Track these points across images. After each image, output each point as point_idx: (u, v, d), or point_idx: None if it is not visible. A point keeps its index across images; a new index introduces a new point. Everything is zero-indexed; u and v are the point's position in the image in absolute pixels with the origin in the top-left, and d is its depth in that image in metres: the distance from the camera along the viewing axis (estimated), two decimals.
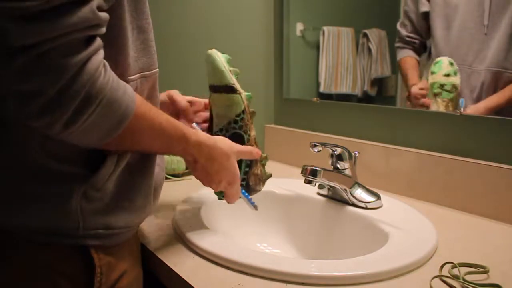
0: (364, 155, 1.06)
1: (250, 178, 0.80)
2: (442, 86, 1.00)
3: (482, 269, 0.66)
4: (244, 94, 0.81)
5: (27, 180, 0.55)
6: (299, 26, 1.35)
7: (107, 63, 0.51)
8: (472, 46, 0.97)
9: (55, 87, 0.45)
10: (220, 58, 0.78)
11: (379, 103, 1.24)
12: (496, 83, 0.92)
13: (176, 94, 0.90)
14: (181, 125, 0.64)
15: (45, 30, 0.43)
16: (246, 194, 0.80)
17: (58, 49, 0.45)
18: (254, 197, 0.83)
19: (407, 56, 1.12)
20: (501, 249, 0.75)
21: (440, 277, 0.64)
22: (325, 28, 1.29)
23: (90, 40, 0.48)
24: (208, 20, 1.29)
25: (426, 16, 1.05)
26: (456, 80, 0.98)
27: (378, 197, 0.91)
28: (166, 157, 0.99)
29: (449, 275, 0.64)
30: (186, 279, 0.64)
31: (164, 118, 0.60)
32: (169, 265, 0.69)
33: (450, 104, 0.99)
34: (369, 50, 1.22)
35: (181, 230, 0.79)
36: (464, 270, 0.65)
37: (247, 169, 0.79)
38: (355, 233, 0.87)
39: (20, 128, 0.54)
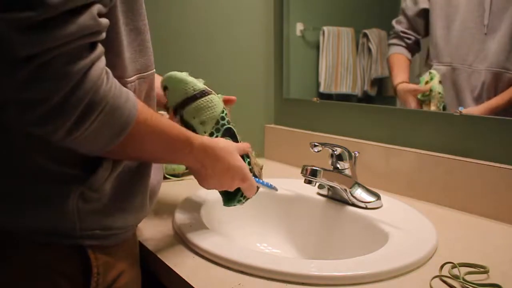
0: (364, 155, 1.06)
1: (254, 169, 0.81)
2: (423, 94, 1.04)
3: (482, 269, 0.66)
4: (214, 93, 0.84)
5: (25, 181, 0.55)
6: (299, 26, 1.35)
7: (109, 70, 0.51)
8: (472, 46, 0.97)
9: (59, 95, 0.46)
10: (181, 73, 0.80)
11: (379, 103, 1.24)
12: (496, 83, 0.92)
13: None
14: (183, 129, 0.65)
15: (47, 40, 0.44)
16: (261, 181, 0.81)
17: (61, 57, 0.45)
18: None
19: (399, 53, 1.12)
20: (501, 249, 0.75)
21: (440, 277, 0.64)
22: (325, 28, 1.29)
23: (92, 47, 0.48)
24: (208, 20, 1.29)
25: (423, 13, 1.05)
26: (433, 83, 1.01)
27: (378, 197, 0.91)
28: None
29: (449, 275, 0.64)
30: (186, 279, 0.64)
31: (167, 123, 0.61)
32: (169, 265, 0.69)
33: (435, 105, 1.02)
34: (369, 50, 1.22)
35: (181, 230, 0.79)
36: (464, 270, 0.65)
37: (248, 160, 0.79)
38: (355, 233, 0.87)
39: (18, 130, 0.54)
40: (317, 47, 1.31)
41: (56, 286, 0.57)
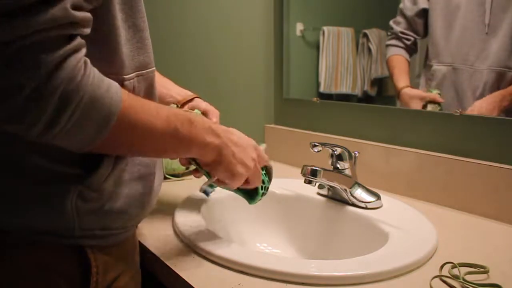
0: (364, 155, 1.06)
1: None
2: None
3: (482, 269, 0.66)
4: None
5: (23, 180, 0.55)
6: (299, 26, 1.35)
7: (88, 60, 0.49)
8: (473, 46, 0.97)
9: (31, 85, 0.44)
10: None
11: (379, 103, 1.24)
12: (499, 82, 0.92)
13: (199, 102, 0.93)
14: (184, 113, 0.61)
15: (19, 27, 0.43)
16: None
17: (32, 47, 0.44)
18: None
19: (398, 55, 1.12)
20: (501, 249, 0.75)
21: (440, 277, 0.64)
22: (325, 28, 1.29)
23: (70, 39, 0.47)
24: (208, 20, 1.29)
25: (423, 13, 1.05)
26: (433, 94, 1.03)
27: (378, 197, 0.91)
28: None
29: (449, 275, 0.64)
30: (186, 279, 0.64)
31: (166, 108, 0.58)
32: (169, 265, 0.69)
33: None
34: (369, 50, 1.22)
35: (181, 230, 0.79)
36: (464, 270, 0.65)
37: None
38: (355, 233, 0.87)
39: None
40: (317, 47, 1.31)
41: (55, 286, 0.57)
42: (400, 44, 1.11)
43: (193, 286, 0.63)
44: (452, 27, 1.00)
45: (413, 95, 1.07)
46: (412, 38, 1.09)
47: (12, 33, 0.43)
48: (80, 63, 0.48)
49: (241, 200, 0.81)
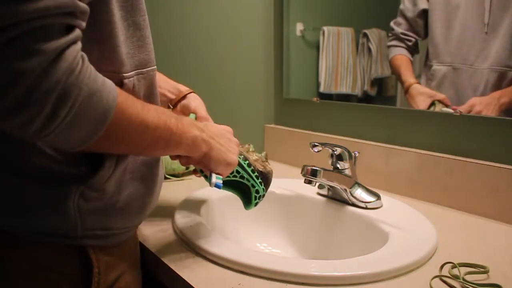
0: (364, 155, 1.06)
1: (256, 166, 0.80)
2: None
3: (482, 269, 0.66)
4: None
5: (25, 180, 0.55)
6: (299, 26, 1.35)
7: (85, 54, 0.48)
8: (473, 45, 0.97)
9: (31, 76, 0.42)
10: None
11: (379, 103, 1.24)
12: (500, 81, 0.92)
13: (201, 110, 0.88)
14: (169, 112, 0.61)
15: (16, 12, 0.41)
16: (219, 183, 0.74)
17: (33, 33, 0.42)
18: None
19: (401, 54, 1.12)
20: (501, 249, 0.75)
21: (440, 277, 0.64)
22: (325, 28, 1.29)
23: (69, 29, 0.46)
24: (208, 20, 1.29)
25: (423, 13, 1.05)
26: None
27: (378, 197, 0.91)
28: (166, 156, 1.00)
29: (449, 275, 0.64)
30: (186, 279, 0.64)
31: (153, 107, 0.57)
32: (169, 265, 0.69)
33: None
34: (369, 50, 1.22)
35: (181, 230, 0.79)
36: (464, 270, 0.65)
37: (247, 162, 0.78)
38: (355, 233, 0.87)
39: None
40: (317, 47, 1.31)
41: (56, 286, 0.57)
42: (402, 45, 1.11)
43: (193, 286, 0.63)
44: (451, 27, 1.00)
45: (423, 91, 1.06)
46: (413, 39, 1.09)
47: (12, 18, 0.41)
48: (78, 55, 0.46)
49: (241, 199, 0.81)
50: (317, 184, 0.94)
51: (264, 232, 0.98)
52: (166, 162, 1.14)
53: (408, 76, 1.10)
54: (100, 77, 0.49)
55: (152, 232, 0.82)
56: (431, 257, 0.70)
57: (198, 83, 1.29)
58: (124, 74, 0.57)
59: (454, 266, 0.66)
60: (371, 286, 0.62)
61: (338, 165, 0.91)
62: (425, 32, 1.06)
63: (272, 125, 1.43)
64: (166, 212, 0.91)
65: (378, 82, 1.23)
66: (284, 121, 1.41)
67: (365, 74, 1.24)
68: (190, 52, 1.27)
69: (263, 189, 0.79)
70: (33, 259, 0.56)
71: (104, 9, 0.52)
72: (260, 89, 1.42)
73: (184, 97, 0.87)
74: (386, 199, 0.93)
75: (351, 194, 0.90)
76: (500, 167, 0.87)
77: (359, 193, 0.90)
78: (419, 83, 1.07)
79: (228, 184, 0.78)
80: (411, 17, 1.07)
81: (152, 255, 0.74)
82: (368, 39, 1.22)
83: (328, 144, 0.91)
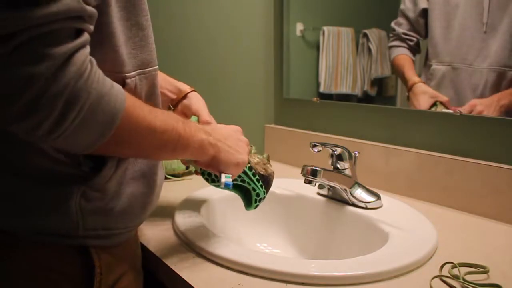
0: (364, 155, 1.06)
1: (258, 169, 0.79)
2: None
3: (482, 269, 0.66)
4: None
5: (27, 180, 0.55)
6: (299, 26, 1.35)
7: (93, 59, 0.48)
8: (472, 45, 0.97)
9: (41, 80, 0.42)
10: None
11: (379, 103, 1.24)
12: (500, 81, 0.92)
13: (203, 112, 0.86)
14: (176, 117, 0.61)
15: (26, 17, 0.41)
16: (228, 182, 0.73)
17: (41, 38, 0.42)
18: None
19: (403, 54, 1.12)
20: (501, 249, 0.75)
21: (440, 277, 0.64)
22: (325, 28, 1.29)
23: (78, 33, 0.46)
24: (208, 21, 1.29)
25: (424, 13, 1.05)
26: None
27: (378, 197, 0.91)
28: None
29: (449, 275, 0.64)
30: (186, 279, 0.64)
31: (160, 111, 0.58)
32: (169, 265, 0.69)
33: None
34: (369, 50, 1.22)
35: (181, 230, 0.79)
36: (464, 270, 0.65)
37: (248, 165, 0.78)
38: (355, 233, 0.87)
39: None
40: (317, 47, 1.31)
41: (56, 286, 0.57)
42: (404, 45, 1.11)
43: (193, 286, 0.63)
44: (451, 27, 1.00)
45: (426, 91, 1.06)
46: (415, 39, 1.09)
47: (21, 23, 0.41)
48: (87, 59, 0.47)
49: (241, 200, 0.81)
50: (317, 184, 0.94)
51: (264, 232, 0.98)
52: (166, 162, 1.14)
53: (412, 75, 1.10)
54: (109, 81, 0.49)
55: (152, 232, 0.82)
56: (431, 257, 0.70)
57: (198, 83, 1.28)
58: (126, 74, 0.57)
59: (454, 266, 0.66)
60: (371, 286, 0.62)
61: (338, 165, 0.91)
62: (426, 32, 1.06)
63: (272, 125, 1.43)
64: (166, 212, 0.91)
65: (378, 82, 1.23)
66: (284, 121, 1.41)
67: (365, 74, 1.24)
68: (190, 52, 1.27)
69: (263, 191, 0.79)
70: (34, 259, 0.56)
71: (104, 10, 0.52)
72: (260, 89, 1.42)
73: (185, 96, 0.86)
74: (386, 199, 0.93)
75: (351, 194, 0.90)
76: (500, 167, 0.87)
77: (359, 193, 0.90)
78: (423, 82, 1.07)
79: None
80: (413, 17, 1.07)
81: (152, 255, 0.74)
82: (368, 39, 1.22)
83: (328, 144, 0.91)
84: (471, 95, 0.97)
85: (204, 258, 0.70)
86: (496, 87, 0.93)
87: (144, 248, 0.76)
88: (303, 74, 1.38)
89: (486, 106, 0.93)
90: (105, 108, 0.48)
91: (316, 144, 0.89)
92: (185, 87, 0.87)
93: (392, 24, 1.11)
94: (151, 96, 0.64)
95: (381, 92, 1.24)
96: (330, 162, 0.92)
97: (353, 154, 0.91)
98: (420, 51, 1.09)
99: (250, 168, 0.77)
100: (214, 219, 0.92)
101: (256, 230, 0.97)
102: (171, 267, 0.68)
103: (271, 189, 0.85)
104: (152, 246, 0.76)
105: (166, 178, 1.15)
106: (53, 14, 0.42)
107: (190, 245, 0.74)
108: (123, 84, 0.57)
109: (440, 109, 1.02)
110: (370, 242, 0.79)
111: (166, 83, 0.87)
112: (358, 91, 1.27)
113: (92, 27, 0.49)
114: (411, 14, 1.08)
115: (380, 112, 1.12)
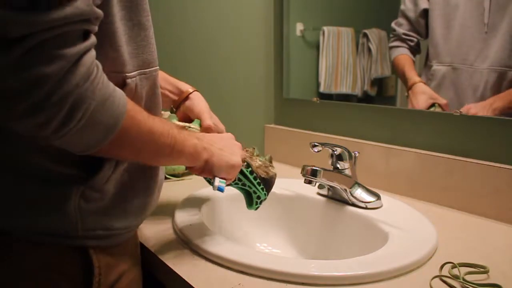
0: (364, 155, 1.06)
1: (259, 172, 0.79)
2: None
3: (482, 269, 0.66)
4: (192, 125, 0.84)
5: (26, 181, 0.55)
6: (299, 26, 1.35)
7: (99, 63, 0.50)
8: (473, 45, 0.97)
9: (53, 79, 0.44)
10: None
11: (379, 103, 1.24)
12: (500, 82, 0.92)
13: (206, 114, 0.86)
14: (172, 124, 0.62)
15: (40, 20, 0.42)
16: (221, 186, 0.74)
17: (54, 40, 0.44)
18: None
19: (404, 54, 1.12)
20: (501, 249, 0.75)
21: (440, 277, 0.64)
22: (325, 28, 1.29)
23: (86, 35, 0.47)
24: (208, 20, 1.29)
25: (425, 13, 1.05)
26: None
27: (378, 197, 0.91)
28: None
29: (449, 275, 0.64)
30: (186, 279, 0.64)
31: (156, 117, 0.59)
32: (169, 265, 0.69)
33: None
34: (369, 50, 1.22)
35: (181, 230, 0.79)
36: (464, 270, 0.65)
37: (249, 169, 0.78)
38: (355, 233, 0.87)
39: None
40: (317, 47, 1.31)
41: (56, 286, 0.57)
42: (404, 45, 1.11)
43: (193, 286, 0.63)
44: (451, 27, 1.00)
45: (426, 91, 1.06)
46: (415, 39, 1.09)
47: (34, 26, 0.42)
48: (94, 62, 0.48)
49: (241, 200, 0.81)
50: (317, 184, 0.94)
51: (264, 232, 0.98)
52: None
53: (412, 75, 1.10)
54: (111, 84, 0.51)
55: (152, 232, 0.82)
56: (431, 257, 0.70)
57: (198, 83, 1.28)
58: (127, 74, 0.58)
59: (454, 266, 0.66)
60: (371, 286, 0.62)
61: (338, 165, 0.91)
62: (427, 32, 1.06)
63: (272, 125, 1.43)
64: (166, 212, 0.91)
65: (378, 82, 1.23)
66: (284, 121, 1.41)
67: (365, 74, 1.24)
68: (190, 52, 1.27)
69: (264, 194, 0.80)
70: (33, 259, 0.56)
71: (105, 10, 0.53)
72: (260, 89, 1.42)
73: (187, 97, 0.86)
74: (386, 199, 0.93)
75: (351, 194, 0.90)
76: (500, 167, 0.87)
77: (359, 193, 0.90)
78: (423, 82, 1.07)
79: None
80: (413, 17, 1.07)
81: (152, 255, 0.74)
82: (368, 39, 1.22)
83: (328, 144, 0.91)
84: (471, 95, 0.97)
85: (204, 258, 0.70)
86: (497, 88, 0.93)
87: (144, 248, 0.76)
88: (303, 74, 1.38)
89: (480, 109, 0.93)
90: (109, 110, 0.49)
91: (316, 144, 0.89)
92: (187, 87, 0.87)
93: (393, 25, 1.11)
94: (152, 96, 0.64)
95: (381, 92, 1.24)
96: (330, 162, 0.92)
97: (353, 154, 0.91)
98: (421, 51, 1.09)
99: (251, 172, 0.77)
100: (214, 219, 0.92)
101: (256, 230, 0.97)
102: (171, 267, 0.68)
103: (272, 189, 0.85)
104: (152, 246, 0.76)
105: (166, 178, 1.15)
106: (66, 17, 0.44)
107: (190, 245, 0.74)
108: (124, 84, 0.57)
109: (438, 110, 1.02)
110: (370, 242, 0.79)
111: (166, 83, 0.86)
112: (358, 91, 1.27)
113: (96, 28, 0.50)
114: (411, 15, 1.07)
115: (380, 112, 1.12)
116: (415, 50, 1.10)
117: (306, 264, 0.67)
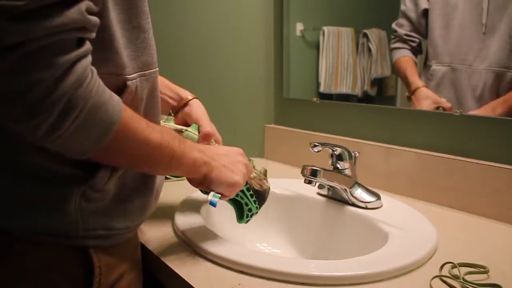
0: (364, 155, 1.06)
1: (252, 184, 0.79)
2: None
3: (482, 269, 0.66)
4: (189, 128, 0.84)
5: (26, 181, 0.55)
6: (299, 26, 1.35)
7: (94, 69, 0.50)
8: (471, 46, 0.97)
9: (41, 86, 0.45)
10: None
11: (379, 103, 1.24)
12: (499, 82, 0.92)
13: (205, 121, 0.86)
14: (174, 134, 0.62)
15: (33, 29, 0.44)
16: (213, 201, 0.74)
17: (47, 48, 0.45)
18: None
19: (406, 56, 1.11)
20: (501, 249, 0.75)
21: (440, 277, 0.64)
22: (325, 28, 1.29)
23: (80, 42, 0.48)
24: (208, 21, 1.29)
25: (426, 13, 1.05)
26: None
27: (378, 197, 0.91)
28: None
29: (449, 275, 0.64)
30: (186, 279, 0.64)
31: (157, 126, 0.59)
32: (169, 265, 0.69)
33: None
34: (369, 50, 1.22)
35: (181, 230, 0.79)
36: (464, 270, 0.65)
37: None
38: (355, 233, 0.87)
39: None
40: (317, 47, 1.31)
41: (56, 286, 0.57)
42: (406, 46, 1.10)
43: (193, 286, 0.63)
44: (450, 27, 1.00)
45: (429, 96, 1.05)
46: (417, 40, 1.08)
47: (25, 34, 0.43)
48: (88, 68, 0.49)
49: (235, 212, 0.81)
50: (317, 184, 0.94)
51: (264, 232, 0.98)
52: None
53: (415, 79, 1.09)
54: (108, 91, 0.51)
55: (153, 232, 0.82)
56: (431, 257, 0.70)
57: (198, 83, 1.29)
58: (127, 76, 0.58)
59: (454, 266, 0.66)
60: (371, 286, 0.62)
61: (338, 165, 0.91)
62: (428, 33, 1.06)
63: (272, 125, 1.43)
64: (167, 212, 0.91)
65: (378, 82, 1.23)
66: (284, 121, 1.41)
67: (365, 74, 1.24)
68: (190, 53, 1.27)
69: (256, 207, 0.79)
70: (34, 259, 0.56)
71: (102, 14, 0.53)
72: (260, 89, 1.42)
73: (186, 104, 0.86)
74: (386, 199, 0.93)
75: (351, 194, 0.90)
76: (500, 167, 0.87)
77: (359, 193, 0.90)
78: (426, 86, 1.07)
79: None
80: (414, 18, 1.07)
81: (152, 255, 0.74)
82: (368, 39, 1.22)
83: (328, 144, 0.91)
84: (470, 96, 0.97)
85: (204, 258, 0.70)
86: (495, 88, 0.93)
87: (144, 248, 0.76)
88: (303, 74, 1.38)
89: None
90: (102, 116, 0.50)
91: (316, 144, 0.89)
92: (186, 94, 0.88)
93: (393, 26, 1.11)
94: (151, 98, 0.64)
95: (381, 92, 1.24)
96: (330, 162, 0.92)
97: (353, 154, 0.91)
98: (422, 52, 1.09)
99: (245, 183, 0.77)
100: (214, 219, 0.92)
101: (256, 230, 0.97)
102: (171, 267, 0.68)
103: (272, 189, 0.85)
104: (152, 246, 0.76)
105: (166, 178, 1.15)
106: (59, 26, 0.45)
107: (190, 245, 0.74)
108: (124, 86, 0.57)
109: None
110: (370, 242, 0.79)
111: (166, 89, 0.87)
112: (358, 91, 1.27)
113: (94, 34, 0.50)
114: (412, 15, 1.07)
115: (380, 112, 1.12)
116: (417, 51, 1.10)
117: (306, 264, 0.67)
